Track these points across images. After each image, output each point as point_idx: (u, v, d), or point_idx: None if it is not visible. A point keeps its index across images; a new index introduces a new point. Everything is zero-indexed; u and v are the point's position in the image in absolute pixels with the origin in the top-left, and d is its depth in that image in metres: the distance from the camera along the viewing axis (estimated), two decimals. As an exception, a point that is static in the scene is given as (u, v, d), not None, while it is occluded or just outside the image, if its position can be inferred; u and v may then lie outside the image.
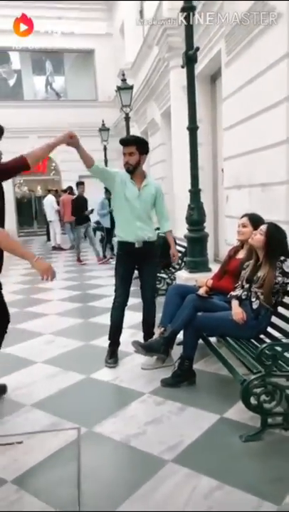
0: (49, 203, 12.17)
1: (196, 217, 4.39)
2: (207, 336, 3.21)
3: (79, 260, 9.22)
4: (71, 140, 2.97)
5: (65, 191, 11.84)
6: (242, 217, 3.26)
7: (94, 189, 8.60)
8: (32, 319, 4.84)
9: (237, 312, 2.78)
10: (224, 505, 1.82)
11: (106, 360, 3.40)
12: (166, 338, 3.07)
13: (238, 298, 2.86)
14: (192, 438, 2.32)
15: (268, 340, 2.74)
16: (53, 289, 6.46)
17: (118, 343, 3.49)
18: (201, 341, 3.09)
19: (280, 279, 2.66)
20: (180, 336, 3.12)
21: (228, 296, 2.94)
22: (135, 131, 11.68)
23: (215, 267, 3.89)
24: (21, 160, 2.66)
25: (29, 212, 18.81)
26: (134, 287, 3.53)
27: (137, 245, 3.36)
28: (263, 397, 2.26)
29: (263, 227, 2.78)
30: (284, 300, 2.79)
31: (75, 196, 9.82)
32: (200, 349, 3.23)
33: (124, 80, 9.29)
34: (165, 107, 8.56)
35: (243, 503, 1.81)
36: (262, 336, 2.86)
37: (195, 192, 4.41)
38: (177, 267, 5.56)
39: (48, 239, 13.71)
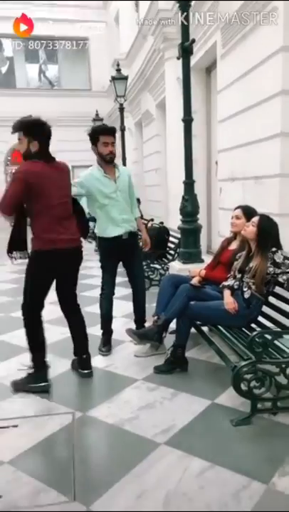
0: None
1: (189, 208, 4.44)
2: (200, 325, 3.29)
3: None
4: None
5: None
6: (235, 209, 3.32)
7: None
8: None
9: (229, 302, 2.85)
10: (214, 484, 1.90)
11: (100, 348, 3.46)
12: (160, 326, 3.14)
13: (230, 288, 2.93)
14: (184, 422, 2.39)
15: (258, 329, 2.81)
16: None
17: (111, 332, 3.55)
18: (194, 330, 3.16)
19: (271, 269, 2.72)
20: (173, 325, 3.19)
21: (221, 286, 3.00)
22: (129, 121, 11.64)
23: (208, 259, 3.95)
24: None
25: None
26: (124, 278, 3.55)
27: (124, 237, 3.38)
28: (253, 383, 2.33)
29: (255, 219, 2.84)
30: (275, 290, 2.86)
31: None
32: (193, 338, 3.31)
33: (118, 70, 9.24)
34: (160, 98, 8.54)
35: (232, 482, 1.89)
36: (253, 325, 2.94)
37: (189, 184, 4.44)
38: (170, 257, 5.62)
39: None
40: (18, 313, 2.89)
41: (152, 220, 6.46)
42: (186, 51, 4.23)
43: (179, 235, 5.02)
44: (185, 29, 4.21)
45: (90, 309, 4.59)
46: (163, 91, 7.96)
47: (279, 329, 2.67)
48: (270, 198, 3.99)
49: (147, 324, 3.49)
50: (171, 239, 5.86)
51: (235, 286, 2.91)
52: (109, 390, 2.86)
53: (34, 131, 2.69)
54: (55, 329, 4.03)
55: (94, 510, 1.79)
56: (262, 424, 2.35)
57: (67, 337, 3.33)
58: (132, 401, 2.67)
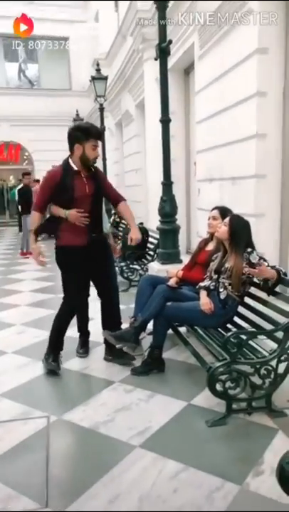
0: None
1: (168, 209, 4.44)
2: (177, 325, 3.29)
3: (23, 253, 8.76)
4: None
5: (37, 181, 11.68)
6: (212, 209, 3.34)
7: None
8: (2, 310, 4.81)
9: (205, 302, 2.85)
10: (188, 486, 1.89)
11: (77, 350, 3.43)
12: (137, 328, 3.11)
13: (207, 288, 2.93)
14: (160, 424, 2.38)
15: (234, 329, 2.82)
16: (24, 280, 6.39)
17: (88, 334, 3.51)
18: (171, 331, 3.16)
19: (246, 270, 2.74)
20: (150, 326, 3.17)
21: (197, 287, 3.00)
22: (109, 121, 11.60)
23: (187, 259, 3.95)
24: None
25: (1, 202, 18.38)
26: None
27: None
28: (228, 383, 2.34)
29: (227, 219, 2.86)
30: (250, 291, 2.88)
31: None
32: (170, 338, 3.30)
33: (98, 70, 9.20)
34: (139, 99, 8.54)
35: (206, 483, 1.89)
36: (229, 326, 2.95)
37: (167, 184, 4.44)
38: (150, 258, 5.61)
39: (20, 229, 13.48)
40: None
41: (142, 223, 6.43)
42: (163, 52, 4.22)
43: (157, 236, 5.01)
44: (162, 30, 4.21)
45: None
46: (142, 91, 7.96)
47: (254, 329, 2.68)
48: (247, 199, 4.03)
49: (124, 326, 3.46)
50: (150, 239, 5.86)
51: (212, 287, 2.92)
52: (85, 393, 2.83)
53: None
54: (31, 332, 3.98)
55: (66, 516, 1.76)
56: (237, 425, 2.36)
57: (41, 340, 3.30)
58: (108, 403, 2.65)
